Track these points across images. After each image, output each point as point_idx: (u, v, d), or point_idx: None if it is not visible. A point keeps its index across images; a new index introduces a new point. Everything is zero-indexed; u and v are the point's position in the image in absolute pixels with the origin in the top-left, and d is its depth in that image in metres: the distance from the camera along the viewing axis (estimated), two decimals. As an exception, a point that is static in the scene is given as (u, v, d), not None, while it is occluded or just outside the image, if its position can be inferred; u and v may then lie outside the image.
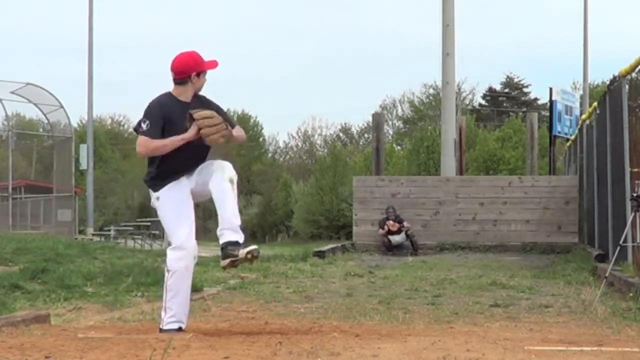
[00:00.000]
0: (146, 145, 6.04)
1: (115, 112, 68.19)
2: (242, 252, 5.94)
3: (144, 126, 6.03)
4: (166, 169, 6.13)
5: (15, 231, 23.41)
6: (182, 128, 6.06)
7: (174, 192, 6.14)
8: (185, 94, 6.14)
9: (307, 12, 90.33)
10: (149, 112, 6.08)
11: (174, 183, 6.16)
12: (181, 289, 6.03)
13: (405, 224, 18.10)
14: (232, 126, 6.27)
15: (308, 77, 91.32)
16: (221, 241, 6.03)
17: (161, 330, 6.04)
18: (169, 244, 6.14)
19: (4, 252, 11.85)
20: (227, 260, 5.97)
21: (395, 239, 18.01)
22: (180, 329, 6.02)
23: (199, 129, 6.03)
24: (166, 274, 6.06)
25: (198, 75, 6.14)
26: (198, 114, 6.04)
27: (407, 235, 18.02)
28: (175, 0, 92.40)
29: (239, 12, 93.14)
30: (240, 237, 6.01)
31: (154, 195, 6.19)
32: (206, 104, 6.25)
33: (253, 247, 5.99)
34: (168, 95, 6.18)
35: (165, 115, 6.05)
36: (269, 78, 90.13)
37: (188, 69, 6.11)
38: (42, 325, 6.48)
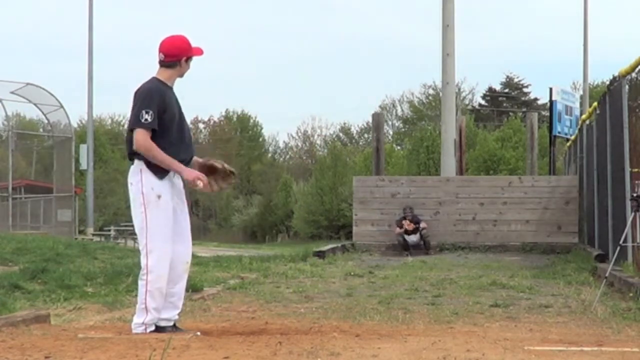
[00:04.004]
0: (149, 146, 5.79)
1: (115, 112, 68.27)
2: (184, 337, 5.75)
3: (148, 117, 5.77)
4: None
5: (15, 231, 23.42)
6: (174, 114, 5.94)
7: (170, 204, 5.95)
8: (171, 79, 6.02)
9: (308, 13, 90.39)
10: (151, 101, 5.82)
11: (173, 185, 5.99)
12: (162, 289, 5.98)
13: (421, 224, 18.08)
14: None
15: (308, 77, 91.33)
16: (161, 323, 5.99)
17: None
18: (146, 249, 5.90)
19: (4, 252, 11.85)
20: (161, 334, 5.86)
21: (412, 239, 17.99)
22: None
23: (210, 181, 6.03)
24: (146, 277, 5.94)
25: (187, 60, 6.04)
26: (226, 167, 6.10)
27: (422, 236, 18.01)
28: (175, 1, 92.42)
29: (240, 12, 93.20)
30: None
31: (156, 184, 5.88)
32: (177, 99, 6.15)
33: (193, 334, 5.95)
34: (157, 80, 5.99)
35: (162, 103, 5.87)
36: (269, 78, 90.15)
37: (180, 53, 5.97)
38: (42, 325, 6.47)
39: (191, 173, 5.93)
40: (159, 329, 6.00)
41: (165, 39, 6.02)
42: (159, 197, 5.91)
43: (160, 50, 5.98)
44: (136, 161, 5.95)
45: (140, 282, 5.98)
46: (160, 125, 5.86)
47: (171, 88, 6.04)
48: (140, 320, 5.97)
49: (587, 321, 7.42)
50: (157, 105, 5.84)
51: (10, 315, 6.69)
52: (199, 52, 6.08)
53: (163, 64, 5.99)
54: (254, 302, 8.95)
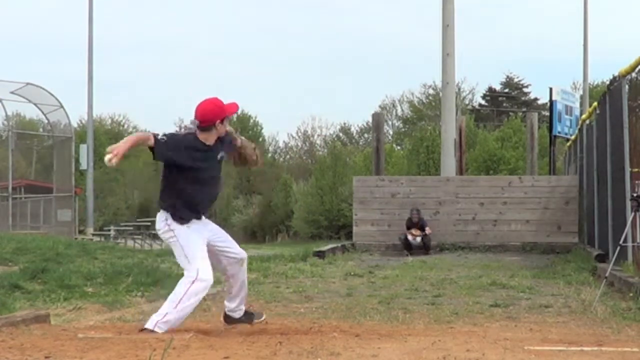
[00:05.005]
0: (148, 138, 6.13)
1: (115, 112, 68.07)
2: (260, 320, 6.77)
3: (162, 137, 6.13)
4: (188, 200, 6.21)
5: (15, 231, 23.41)
6: (203, 169, 6.22)
7: (194, 225, 6.26)
8: (209, 140, 6.29)
9: (308, 13, 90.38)
10: (173, 136, 6.23)
11: (196, 222, 6.27)
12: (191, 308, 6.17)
13: (427, 230, 18.07)
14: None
15: (308, 77, 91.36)
16: (239, 315, 6.63)
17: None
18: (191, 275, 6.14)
19: (4, 252, 11.86)
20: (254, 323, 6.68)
21: (415, 240, 18.01)
22: None
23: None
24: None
25: (222, 121, 6.30)
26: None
27: (423, 239, 18.02)
28: (175, 0, 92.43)
29: (239, 12, 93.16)
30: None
31: (178, 227, 6.20)
32: (225, 141, 6.45)
33: (264, 317, 6.82)
34: (194, 137, 6.29)
35: (186, 147, 6.16)
36: (269, 78, 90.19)
37: (213, 117, 6.25)
38: (42, 325, 6.47)
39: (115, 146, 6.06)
40: (231, 320, 6.57)
41: (199, 105, 6.29)
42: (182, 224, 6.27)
43: (196, 117, 6.28)
44: (162, 211, 6.30)
45: (185, 279, 6.11)
46: (180, 173, 6.18)
47: (209, 146, 6.29)
48: (164, 311, 6.05)
49: (587, 321, 7.42)
50: (176, 142, 6.13)
51: (10, 315, 6.69)
52: (233, 109, 6.49)
53: (200, 127, 6.27)
54: (254, 302, 8.94)
